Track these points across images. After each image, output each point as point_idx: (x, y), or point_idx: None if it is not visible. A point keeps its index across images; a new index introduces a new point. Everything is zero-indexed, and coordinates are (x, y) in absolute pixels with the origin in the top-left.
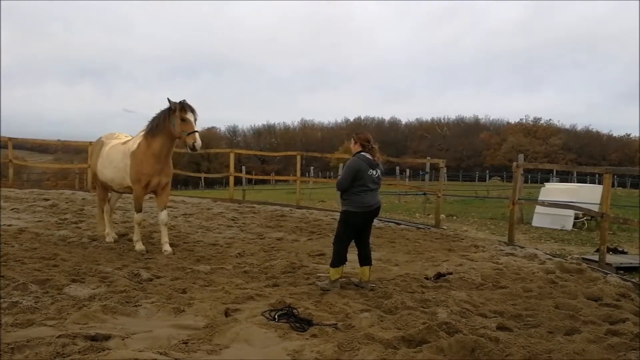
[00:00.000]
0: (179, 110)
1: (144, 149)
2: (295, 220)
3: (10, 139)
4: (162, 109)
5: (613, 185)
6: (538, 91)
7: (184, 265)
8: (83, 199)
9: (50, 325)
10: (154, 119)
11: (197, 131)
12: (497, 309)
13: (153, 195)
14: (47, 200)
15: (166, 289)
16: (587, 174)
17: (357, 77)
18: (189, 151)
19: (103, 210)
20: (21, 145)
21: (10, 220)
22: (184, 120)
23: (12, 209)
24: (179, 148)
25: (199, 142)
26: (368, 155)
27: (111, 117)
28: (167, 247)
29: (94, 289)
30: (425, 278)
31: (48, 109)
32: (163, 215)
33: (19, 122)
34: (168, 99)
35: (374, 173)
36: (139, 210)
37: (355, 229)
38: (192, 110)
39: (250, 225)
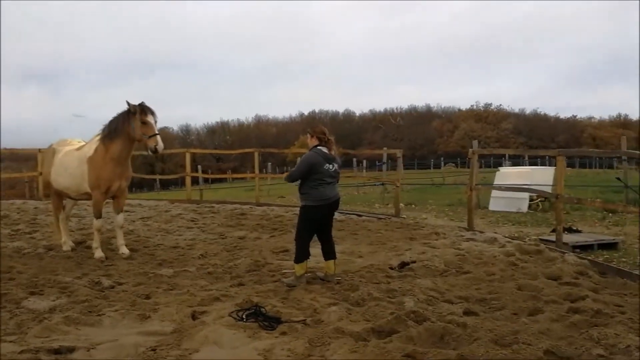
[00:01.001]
0: (139, 113)
1: (102, 153)
2: (256, 217)
3: None
4: (120, 112)
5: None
6: (487, 78)
7: (146, 270)
8: (35, 207)
9: (10, 341)
10: (112, 122)
11: (158, 134)
12: (462, 295)
13: (109, 200)
14: None
15: (129, 295)
16: (537, 157)
17: (311, 71)
18: (150, 153)
19: (58, 219)
20: None
21: None
22: (144, 123)
23: None
24: (136, 150)
25: (160, 145)
26: (324, 150)
27: (60, 122)
28: (124, 249)
29: (54, 300)
30: (389, 268)
31: None
32: (120, 218)
33: None
34: (127, 101)
35: (331, 167)
36: (98, 216)
37: (315, 223)
38: (152, 113)
39: (210, 225)
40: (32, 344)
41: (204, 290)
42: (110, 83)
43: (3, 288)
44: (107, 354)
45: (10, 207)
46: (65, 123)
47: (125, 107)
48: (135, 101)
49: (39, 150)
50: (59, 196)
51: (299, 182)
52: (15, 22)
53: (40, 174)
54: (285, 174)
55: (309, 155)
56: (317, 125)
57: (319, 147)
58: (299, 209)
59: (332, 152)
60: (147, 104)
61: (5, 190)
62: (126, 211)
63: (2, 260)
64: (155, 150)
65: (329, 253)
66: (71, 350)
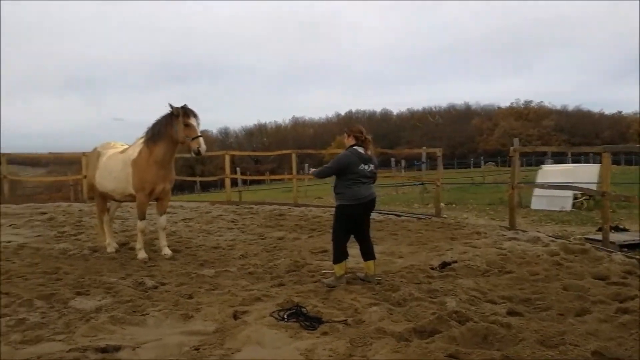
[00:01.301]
0: (182, 116)
1: (146, 156)
2: (294, 218)
3: (3, 154)
4: (163, 114)
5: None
6: (527, 73)
7: (188, 271)
8: (80, 210)
9: (59, 340)
10: (155, 125)
11: (201, 135)
12: (505, 295)
13: (153, 202)
14: (44, 214)
15: (172, 295)
16: (580, 154)
17: (346, 71)
18: (194, 155)
19: (103, 221)
20: (13, 160)
21: (9, 237)
22: (187, 125)
23: (10, 225)
24: (180, 153)
25: (203, 147)
26: (360, 150)
27: (101, 126)
28: (166, 250)
29: (99, 300)
30: (430, 268)
31: (36, 123)
32: (162, 220)
33: (8, 137)
34: (170, 104)
35: (366, 168)
36: (142, 218)
37: (351, 223)
38: (195, 115)
39: (250, 226)
40: (79, 343)
41: (245, 290)
42: (148, 88)
43: (51, 288)
44: (151, 353)
45: (56, 209)
46: (106, 127)
47: (168, 110)
48: (177, 104)
49: (84, 154)
50: (104, 198)
51: (333, 182)
52: (52, 27)
53: (85, 177)
54: (314, 169)
55: (343, 155)
56: (354, 124)
57: (354, 147)
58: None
59: (369, 152)
60: (189, 106)
61: (51, 193)
62: (168, 213)
63: (47, 261)
64: (198, 152)
65: (367, 254)
66: (117, 349)
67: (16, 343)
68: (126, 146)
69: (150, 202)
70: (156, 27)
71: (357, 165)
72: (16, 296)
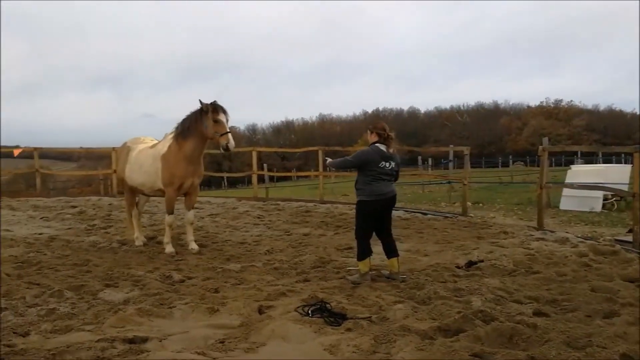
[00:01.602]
0: (211, 112)
1: (176, 151)
2: (320, 215)
3: (35, 148)
4: (192, 110)
5: None
6: (558, 72)
7: (214, 265)
8: (110, 204)
9: (88, 330)
10: (184, 120)
11: (229, 132)
12: (532, 295)
13: (181, 197)
14: (74, 207)
15: (199, 289)
16: (612, 154)
17: (373, 68)
18: (222, 151)
19: (132, 215)
20: (45, 154)
21: (41, 229)
22: (216, 121)
23: (41, 218)
24: (208, 149)
25: (232, 143)
26: (382, 147)
27: (131, 122)
28: (193, 245)
29: (127, 292)
30: (456, 267)
31: (68, 118)
32: (190, 215)
33: (40, 132)
34: (200, 100)
35: (387, 165)
36: (170, 212)
37: (372, 219)
38: (224, 111)
39: (276, 222)
40: (108, 334)
41: (271, 285)
42: (177, 85)
43: (81, 280)
44: (178, 345)
45: (87, 203)
46: (135, 123)
47: (197, 106)
48: (206, 101)
49: (113, 149)
50: (133, 193)
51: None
52: (85, 26)
53: (115, 171)
54: (331, 160)
55: (364, 151)
56: (378, 121)
57: (377, 144)
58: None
59: (391, 150)
60: (220, 103)
61: (82, 187)
62: (195, 208)
63: (77, 253)
64: (227, 148)
65: (390, 251)
66: (145, 340)
67: (46, 332)
68: (155, 141)
69: (179, 197)
70: (185, 25)
71: (378, 162)
72: (47, 287)
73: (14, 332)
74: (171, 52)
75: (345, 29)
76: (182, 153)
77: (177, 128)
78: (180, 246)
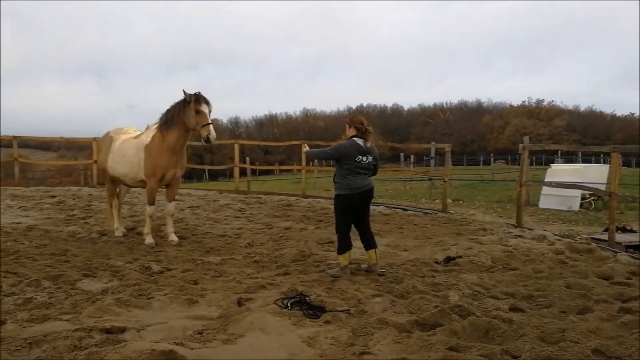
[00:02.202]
0: (193, 102)
1: (159, 142)
2: (302, 209)
3: (15, 137)
4: (176, 100)
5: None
6: (540, 72)
7: (194, 257)
8: (89, 194)
9: (65, 320)
10: (168, 111)
11: (211, 123)
12: (508, 291)
13: (162, 188)
14: (53, 197)
15: (178, 280)
16: (591, 154)
17: (358, 65)
18: (203, 143)
19: (112, 205)
20: (25, 143)
21: (19, 218)
22: (198, 112)
23: (19, 207)
24: (191, 140)
25: (213, 134)
26: (360, 141)
27: (113, 113)
28: (173, 237)
29: (106, 283)
30: (435, 262)
31: (49, 107)
32: (171, 206)
33: (20, 120)
34: (183, 90)
35: (364, 159)
36: (151, 203)
37: (349, 213)
38: (207, 102)
39: (257, 215)
40: (85, 323)
41: (250, 278)
42: (160, 76)
43: (59, 270)
44: (156, 335)
45: (66, 193)
46: (118, 113)
47: (181, 96)
48: (191, 91)
49: (95, 139)
50: (114, 183)
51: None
52: (70, 14)
53: (95, 161)
54: (309, 149)
55: (341, 145)
56: (356, 115)
57: (354, 138)
58: None
59: (368, 144)
60: (204, 94)
61: (61, 178)
62: (176, 200)
63: (56, 243)
64: (207, 140)
65: (368, 243)
66: (122, 330)
67: (23, 321)
68: (139, 132)
69: (160, 189)
70: (172, 15)
71: (355, 156)
72: (24, 276)
73: None
74: (156, 44)
75: (332, 25)
76: (166, 144)
77: (161, 118)
78: (160, 237)
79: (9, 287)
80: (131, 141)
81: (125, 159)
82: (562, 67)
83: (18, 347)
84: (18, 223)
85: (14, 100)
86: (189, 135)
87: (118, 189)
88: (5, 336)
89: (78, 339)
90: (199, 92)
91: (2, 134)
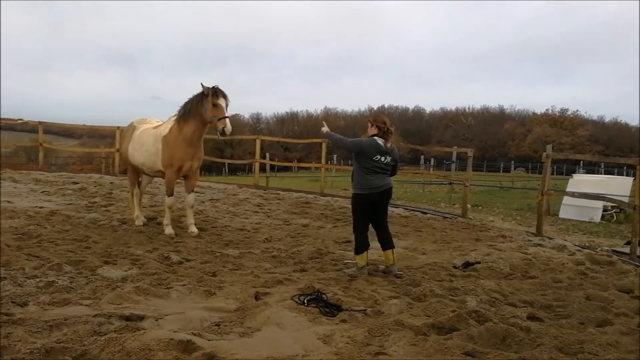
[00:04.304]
0: (211, 96)
1: (176, 133)
2: (320, 207)
3: (40, 122)
4: (195, 93)
5: None
6: (566, 82)
7: (213, 249)
8: (111, 182)
9: (86, 305)
10: (186, 103)
11: (227, 117)
12: (526, 299)
13: (181, 180)
14: (76, 183)
15: (197, 272)
16: (614, 166)
17: (382, 66)
18: (219, 136)
19: (133, 194)
20: (48, 129)
21: (42, 203)
22: (215, 105)
23: (42, 192)
24: (208, 133)
25: (229, 128)
26: (380, 141)
27: (140, 103)
28: (193, 229)
29: (126, 270)
30: (453, 267)
31: (75, 95)
32: (190, 198)
33: (46, 106)
34: (201, 83)
35: (383, 159)
36: (170, 194)
37: (367, 212)
38: (224, 96)
39: (275, 211)
40: (105, 309)
41: (268, 273)
42: (187, 69)
43: (80, 255)
44: (174, 325)
45: (88, 180)
46: (144, 104)
47: (200, 89)
48: (211, 85)
49: (118, 128)
50: (135, 172)
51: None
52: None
53: (118, 150)
54: (328, 130)
55: (361, 140)
56: (378, 114)
57: (375, 137)
58: None
59: (389, 145)
60: (222, 88)
61: (83, 165)
62: (196, 192)
63: (77, 229)
64: (223, 133)
65: (386, 243)
66: (141, 318)
67: (44, 304)
68: (161, 122)
69: (179, 180)
70: (200, 11)
71: (373, 155)
72: (46, 260)
73: (12, 302)
74: (184, 37)
75: (359, 25)
76: (182, 135)
77: (179, 110)
78: (180, 228)
79: (32, 269)
80: (150, 131)
81: (143, 148)
82: (589, 76)
83: (39, 329)
84: (41, 207)
85: (42, 88)
86: (206, 128)
87: (140, 179)
88: (27, 317)
89: (98, 325)
90: (217, 86)
91: (26, 120)
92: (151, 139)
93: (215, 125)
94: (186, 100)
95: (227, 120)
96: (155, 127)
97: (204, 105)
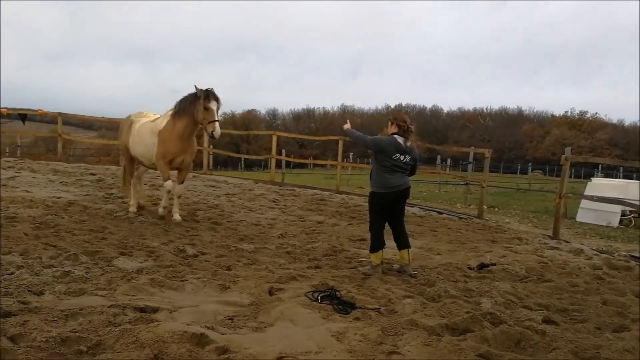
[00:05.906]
0: (203, 98)
1: (170, 128)
2: (335, 204)
3: (60, 114)
4: (190, 92)
5: None
6: (585, 84)
7: (228, 244)
8: None
9: (101, 295)
10: (181, 101)
11: (217, 120)
12: (542, 302)
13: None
14: (93, 175)
15: (211, 265)
16: (633, 170)
17: (401, 64)
18: (209, 138)
19: (129, 182)
20: (67, 121)
21: (60, 193)
22: (206, 108)
23: (60, 182)
24: (225, 129)
25: (217, 131)
26: (400, 140)
27: (158, 96)
28: (177, 216)
29: (141, 262)
30: (468, 268)
31: (95, 87)
32: (179, 188)
33: (66, 98)
34: (195, 85)
35: (402, 158)
36: (167, 178)
37: (383, 211)
38: (216, 99)
39: (291, 207)
40: (120, 300)
41: (282, 269)
42: (206, 63)
43: (96, 246)
44: (188, 318)
45: (106, 172)
46: (163, 97)
47: (203, 87)
48: (230, 80)
49: None
50: (133, 162)
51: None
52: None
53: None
54: (350, 128)
55: (381, 138)
56: (399, 113)
57: (395, 136)
58: None
59: (409, 144)
60: (215, 90)
61: (100, 156)
62: (212, 186)
63: (94, 220)
64: (212, 136)
65: (402, 242)
66: (155, 310)
67: (60, 293)
68: (158, 116)
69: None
70: (219, 6)
71: (392, 154)
72: (63, 249)
73: (28, 290)
74: (201, 30)
75: (378, 24)
76: (175, 131)
77: (175, 107)
78: (195, 222)
79: (49, 259)
80: (148, 124)
81: (142, 141)
82: (610, 80)
83: (55, 318)
84: (59, 197)
85: (60, 80)
86: (197, 126)
87: (137, 168)
88: (43, 306)
89: (113, 315)
90: (211, 89)
91: (46, 111)
92: (148, 133)
93: (205, 128)
94: (181, 97)
95: (217, 124)
96: (152, 121)
97: (196, 106)
